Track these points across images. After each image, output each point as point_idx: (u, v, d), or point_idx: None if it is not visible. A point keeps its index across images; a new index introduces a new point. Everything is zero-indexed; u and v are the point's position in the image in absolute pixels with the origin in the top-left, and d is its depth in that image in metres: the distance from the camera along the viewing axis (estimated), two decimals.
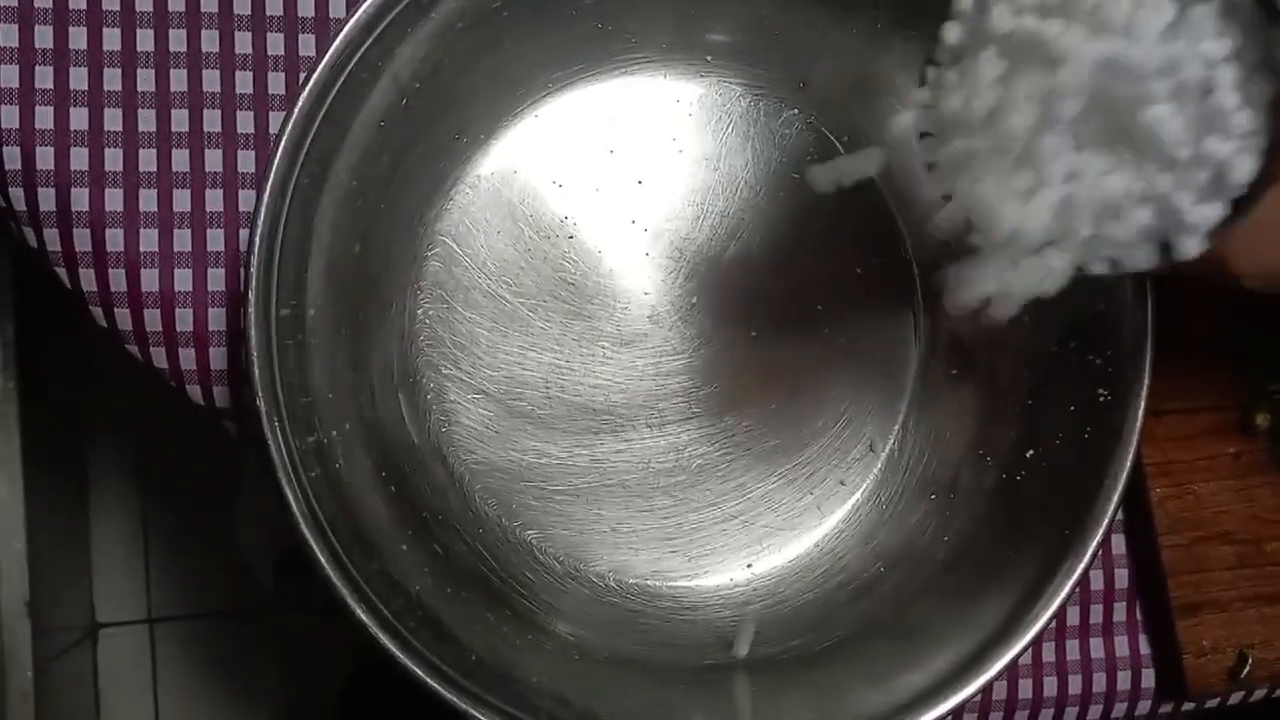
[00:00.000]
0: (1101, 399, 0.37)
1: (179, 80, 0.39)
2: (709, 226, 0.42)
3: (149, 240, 0.39)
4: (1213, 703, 0.46)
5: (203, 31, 0.39)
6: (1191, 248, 0.29)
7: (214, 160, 0.39)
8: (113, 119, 0.38)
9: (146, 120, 0.39)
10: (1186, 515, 0.44)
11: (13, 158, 0.38)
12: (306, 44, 0.40)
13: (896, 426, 0.42)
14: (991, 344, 0.41)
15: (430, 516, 0.39)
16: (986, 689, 0.35)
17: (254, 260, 0.33)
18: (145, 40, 0.39)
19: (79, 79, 0.38)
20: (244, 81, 0.39)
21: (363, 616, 0.32)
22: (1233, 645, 0.44)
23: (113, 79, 0.39)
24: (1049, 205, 0.29)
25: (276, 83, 0.40)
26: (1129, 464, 0.36)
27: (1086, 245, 0.29)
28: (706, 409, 0.42)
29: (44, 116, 0.38)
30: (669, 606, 0.41)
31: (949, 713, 0.34)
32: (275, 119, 0.40)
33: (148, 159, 0.39)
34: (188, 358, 0.39)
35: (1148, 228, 0.29)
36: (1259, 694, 0.46)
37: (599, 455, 0.41)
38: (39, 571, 0.75)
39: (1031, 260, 0.30)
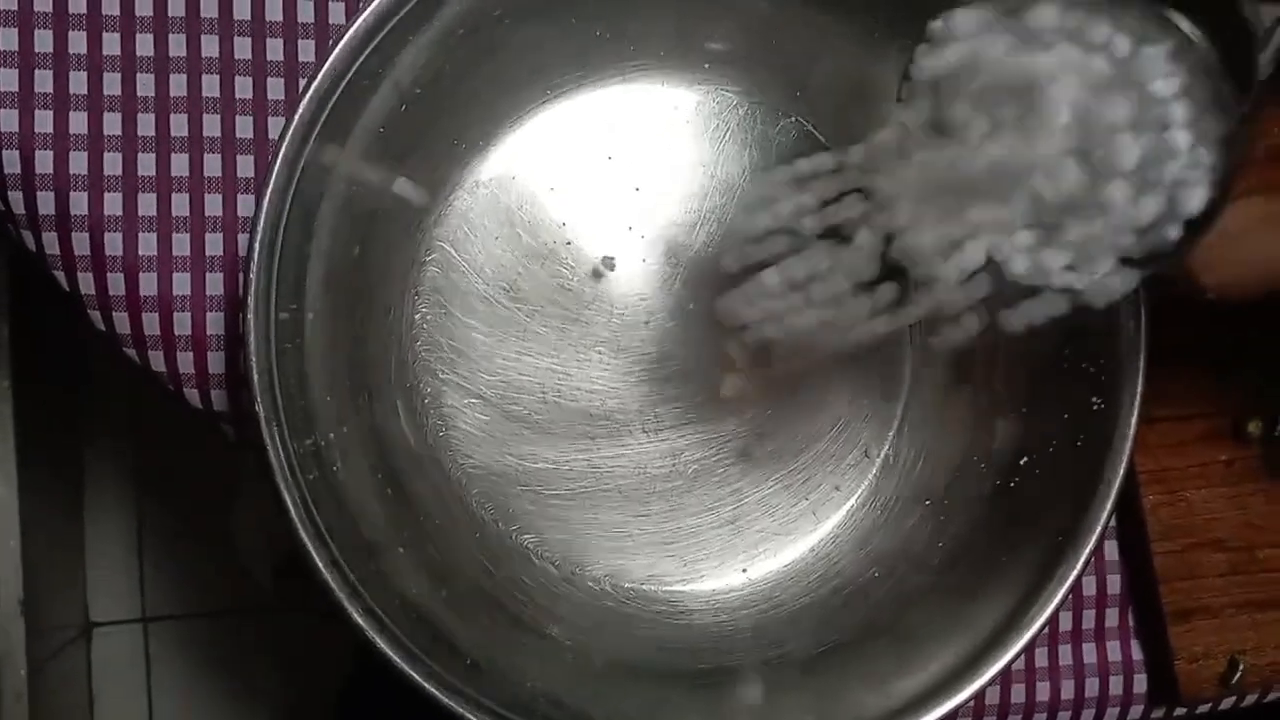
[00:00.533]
0: (1095, 406, 0.37)
1: (178, 85, 0.39)
2: (706, 233, 0.42)
3: (148, 244, 0.39)
4: (1204, 708, 0.46)
5: (202, 36, 0.39)
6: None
7: (213, 165, 0.39)
8: (112, 123, 0.39)
9: (146, 125, 0.39)
10: (1179, 522, 0.44)
11: (12, 161, 0.38)
12: (306, 50, 0.40)
13: (891, 433, 0.43)
14: (986, 352, 0.41)
15: (427, 520, 0.39)
16: (980, 693, 0.35)
17: (253, 265, 0.33)
18: (145, 45, 0.39)
19: (78, 83, 0.38)
20: (243, 87, 0.40)
21: (359, 620, 0.32)
22: (1224, 651, 0.44)
23: (112, 83, 0.39)
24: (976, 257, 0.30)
25: (276, 88, 0.40)
26: (1122, 471, 0.36)
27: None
28: (702, 414, 0.42)
29: (43, 120, 0.38)
30: (664, 611, 0.41)
31: (944, 717, 0.34)
32: (274, 124, 0.40)
33: (147, 163, 0.39)
34: (186, 361, 0.39)
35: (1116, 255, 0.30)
36: (1250, 699, 0.46)
37: (595, 460, 0.41)
38: (34, 571, 0.75)
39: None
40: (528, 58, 0.39)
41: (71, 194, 0.38)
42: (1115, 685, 0.45)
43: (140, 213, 0.39)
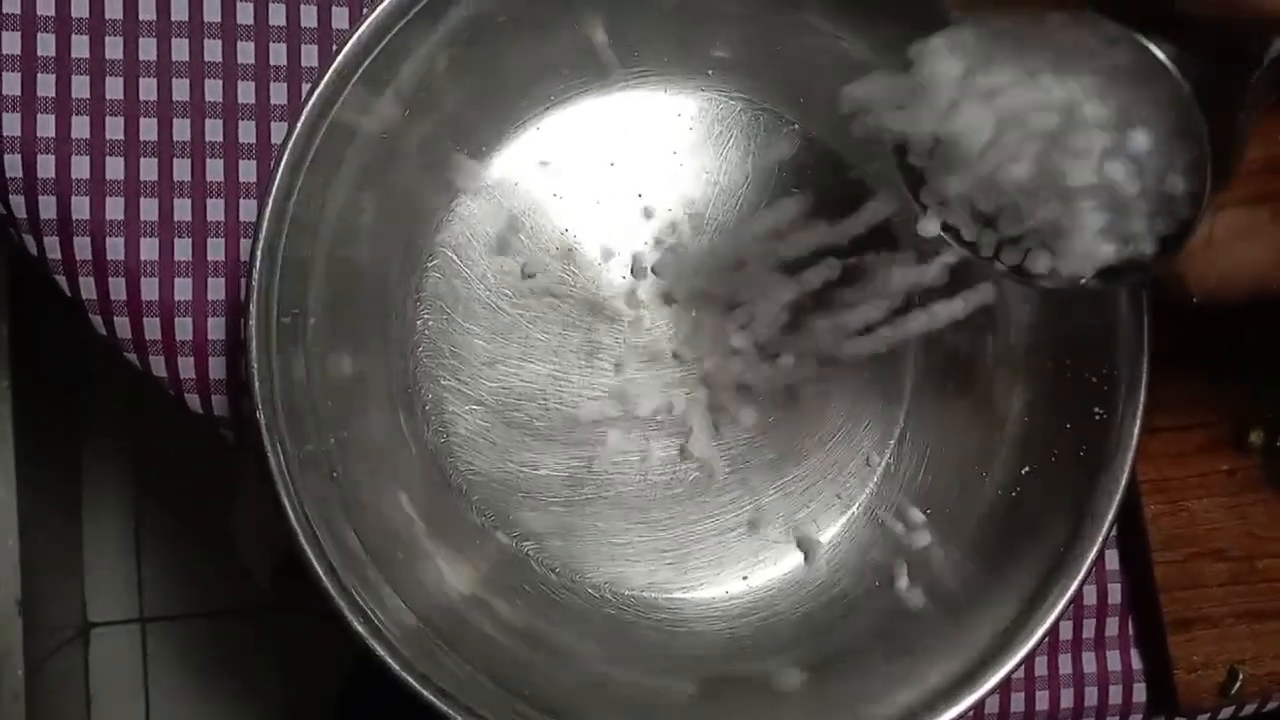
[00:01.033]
0: (1097, 416, 0.37)
1: (181, 89, 0.39)
2: (709, 240, 0.42)
3: (149, 249, 0.39)
4: (1203, 718, 0.46)
5: (205, 41, 0.39)
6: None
7: (215, 170, 0.39)
8: (114, 128, 0.38)
9: (148, 129, 0.39)
10: (1180, 532, 0.44)
11: (14, 165, 0.38)
12: (309, 54, 0.40)
13: (893, 441, 0.43)
14: (988, 361, 0.41)
15: (427, 527, 0.39)
16: (979, 703, 0.35)
17: (255, 271, 0.33)
18: (148, 49, 0.39)
19: (80, 87, 0.38)
20: (246, 91, 0.40)
21: (359, 628, 0.32)
22: (1224, 661, 0.44)
23: (114, 88, 0.39)
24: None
25: (279, 93, 0.40)
26: (1124, 482, 0.36)
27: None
28: (704, 422, 0.42)
29: (45, 124, 0.38)
30: (664, 619, 0.41)
31: None
32: (277, 128, 0.40)
33: (149, 168, 0.39)
34: (186, 366, 0.39)
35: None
36: (1249, 709, 0.46)
37: (596, 468, 0.41)
38: (32, 570, 0.75)
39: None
40: (531, 65, 0.39)
41: (73, 198, 0.38)
42: (1114, 695, 0.45)
43: (142, 217, 0.39)
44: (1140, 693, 0.45)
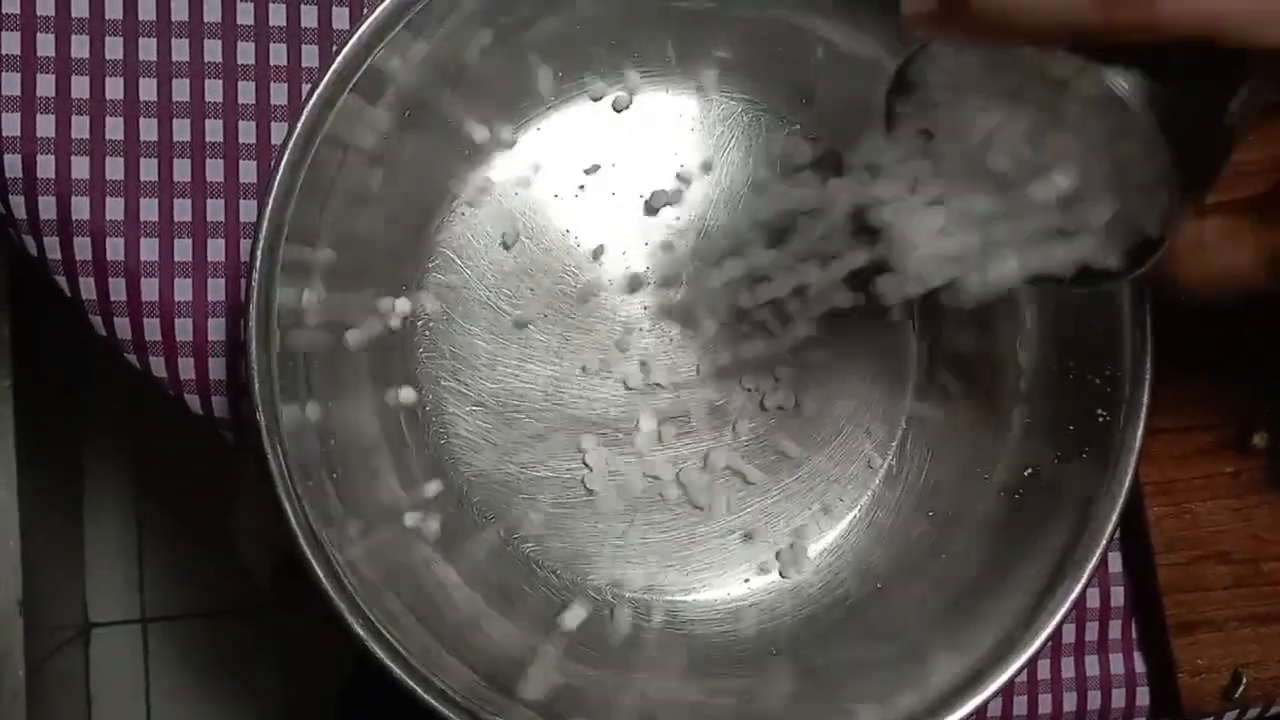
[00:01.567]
0: (1101, 419, 0.37)
1: (181, 90, 0.39)
2: (710, 240, 0.42)
3: (149, 250, 0.39)
4: None
5: (205, 41, 0.39)
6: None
7: (215, 170, 0.39)
8: (114, 128, 0.38)
9: (148, 129, 0.39)
10: (1184, 534, 0.44)
11: (13, 165, 0.38)
12: (310, 55, 0.40)
13: (895, 443, 0.42)
14: (991, 363, 0.41)
15: (427, 528, 0.39)
16: (982, 707, 0.35)
17: (255, 271, 0.32)
18: (148, 49, 0.39)
19: (80, 87, 0.38)
20: (246, 92, 0.39)
21: (358, 628, 0.32)
22: (1228, 664, 0.44)
23: (115, 88, 0.38)
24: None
25: (279, 93, 0.40)
26: (1127, 484, 0.36)
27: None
28: (705, 423, 0.42)
29: (45, 125, 0.38)
30: (666, 621, 0.41)
31: None
32: (277, 129, 0.40)
33: (149, 168, 0.39)
34: (186, 367, 0.39)
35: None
36: (1253, 713, 0.46)
37: (596, 469, 0.41)
38: (33, 570, 0.75)
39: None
40: (532, 65, 0.39)
41: (73, 199, 0.38)
42: (1117, 698, 0.45)
43: (142, 218, 0.39)
44: (1143, 696, 0.45)
